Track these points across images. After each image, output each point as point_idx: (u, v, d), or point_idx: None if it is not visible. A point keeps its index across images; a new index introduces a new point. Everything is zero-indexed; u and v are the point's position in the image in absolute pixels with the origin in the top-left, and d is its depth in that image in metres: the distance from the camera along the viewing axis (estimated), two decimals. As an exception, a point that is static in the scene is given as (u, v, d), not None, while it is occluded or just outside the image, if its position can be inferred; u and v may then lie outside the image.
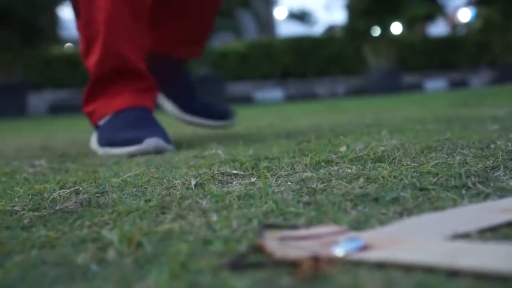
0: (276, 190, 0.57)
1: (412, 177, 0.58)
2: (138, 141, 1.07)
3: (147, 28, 1.24)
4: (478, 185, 0.53)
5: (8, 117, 5.49)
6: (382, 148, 0.77)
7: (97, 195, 0.62)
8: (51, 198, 0.61)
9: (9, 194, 0.66)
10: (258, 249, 0.38)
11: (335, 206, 0.49)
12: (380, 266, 0.34)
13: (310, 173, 0.65)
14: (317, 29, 15.43)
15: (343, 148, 0.80)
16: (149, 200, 0.57)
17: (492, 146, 0.75)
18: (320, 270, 0.33)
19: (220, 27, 7.56)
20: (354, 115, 2.19)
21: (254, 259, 0.36)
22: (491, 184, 0.53)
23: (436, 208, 0.46)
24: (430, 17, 8.88)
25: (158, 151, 1.05)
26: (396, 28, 7.88)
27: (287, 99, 7.16)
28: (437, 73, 9.09)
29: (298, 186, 0.58)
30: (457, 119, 1.43)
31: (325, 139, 1.04)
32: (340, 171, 0.65)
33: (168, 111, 1.46)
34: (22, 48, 6.60)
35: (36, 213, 0.55)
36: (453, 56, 9.47)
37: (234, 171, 0.69)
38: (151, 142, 1.06)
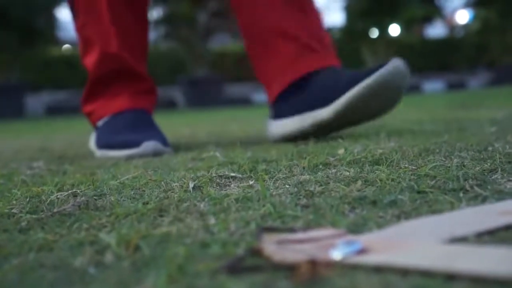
0: (274, 193, 0.57)
1: (410, 180, 0.58)
2: (136, 144, 1.07)
3: (147, 29, 1.24)
4: (476, 188, 0.53)
5: (5, 118, 5.48)
6: (380, 150, 0.77)
7: (95, 197, 0.62)
8: (48, 200, 0.61)
9: (7, 197, 0.66)
10: (256, 252, 0.38)
11: (333, 209, 0.49)
12: (378, 269, 0.34)
13: (308, 176, 0.65)
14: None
15: (341, 151, 0.80)
16: (147, 203, 0.57)
17: (490, 148, 0.75)
18: (318, 274, 0.33)
19: (219, 29, 7.57)
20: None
21: (252, 263, 0.36)
22: (489, 187, 0.53)
23: (434, 211, 0.46)
24: (428, 19, 8.90)
25: (156, 154, 1.05)
26: (394, 29, 7.89)
27: (285, 100, 7.14)
28: (435, 75, 9.11)
29: (296, 189, 0.58)
30: (455, 121, 1.44)
31: (323, 142, 1.04)
32: (338, 173, 0.65)
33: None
34: (20, 49, 6.60)
35: (33, 216, 0.55)
36: (451, 58, 9.49)
37: (232, 174, 0.69)
38: (149, 146, 1.05)
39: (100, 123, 1.21)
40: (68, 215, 0.55)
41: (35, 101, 7.12)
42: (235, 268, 0.35)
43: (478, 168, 0.62)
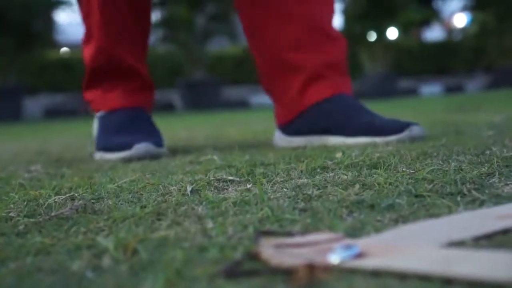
0: (271, 197, 0.57)
1: (407, 183, 0.58)
2: (128, 146, 1.07)
3: (148, 28, 1.24)
4: (474, 192, 0.53)
5: (3, 121, 5.48)
6: (378, 154, 0.78)
7: (92, 201, 0.62)
8: (46, 204, 0.61)
9: (5, 200, 0.66)
10: (254, 256, 0.38)
11: (331, 213, 0.49)
12: (376, 273, 0.34)
13: (306, 180, 0.65)
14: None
15: (338, 154, 0.80)
16: (145, 207, 0.57)
17: (488, 152, 0.75)
18: (316, 278, 0.33)
19: (216, 32, 7.58)
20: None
21: (249, 267, 0.36)
22: (486, 191, 0.54)
23: (431, 215, 0.46)
24: (426, 22, 8.91)
25: (151, 156, 1.05)
26: (392, 33, 7.90)
27: (283, 103, 7.15)
28: (432, 78, 9.12)
29: (293, 193, 0.58)
30: (453, 124, 1.44)
31: (321, 145, 1.04)
32: (336, 177, 0.65)
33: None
34: (18, 52, 6.59)
35: (31, 219, 0.55)
36: (449, 61, 9.50)
37: (230, 177, 0.69)
38: (140, 148, 1.06)
39: (98, 114, 1.22)
40: (66, 219, 0.55)
41: (33, 104, 7.11)
42: (233, 272, 0.35)
43: (475, 172, 0.62)
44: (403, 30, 8.08)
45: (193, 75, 7.41)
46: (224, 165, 0.81)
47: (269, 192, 0.60)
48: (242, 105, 7.08)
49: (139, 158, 1.05)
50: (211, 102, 6.84)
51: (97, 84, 1.22)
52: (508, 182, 0.57)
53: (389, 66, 7.87)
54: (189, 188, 0.64)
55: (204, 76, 7.41)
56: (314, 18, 1.13)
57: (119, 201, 0.61)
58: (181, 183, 0.68)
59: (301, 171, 0.71)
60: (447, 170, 0.63)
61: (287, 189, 0.61)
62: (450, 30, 10.66)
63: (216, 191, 0.64)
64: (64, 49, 8.43)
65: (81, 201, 0.61)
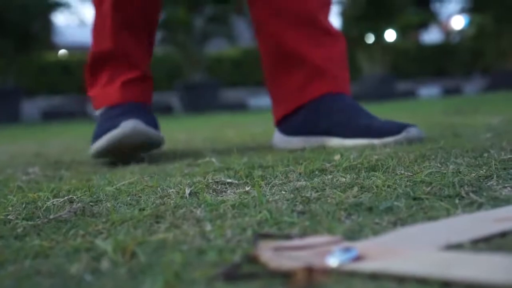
0: (270, 199, 0.57)
1: (406, 186, 0.58)
2: (114, 126, 1.02)
3: (155, 26, 1.22)
4: (472, 195, 0.53)
5: (1, 123, 5.48)
6: (376, 156, 0.78)
7: (91, 203, 0.62)
8: (45, 207, 0.61)
9: (3, 203, 0.66)
10: (252, 259, 0.38)
11: (329, 216, 0.49)
12: (374, 276, 0.34)
13: (304, 182, 0.65)
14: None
15: (337, 157, 0.80)
16: (143, 209, 0.57)
17: (485, 155, 0.75)
18: (314, 281, 0.33)
19: (215, 34, 7.58)
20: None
21: (248, 270, 0.36)
22: (484, 193, 0.54)
23: (429, 218, 0.47)
24: (423, 25, 8.92)
25: (138, 134, 0.99)
26: (390, 35, 7.91)
27: (281, 105, 7.15)
28: (430, 80, 9.13)
29: (292, 195, 0.58)
30: (451, 126, 1.44)
31: (319, 147, 1.04)
32: (334, 180, 0.65)
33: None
34: (16, 54, 6.59)
35: (29, 222, 0.55)
36: (446, 63, 9.51)
37: (229, 180, 0.69)
38: (128, 125, 0.99)
39: (97, 112, 1.18)
40: (64, 222, 0.55)
41: (31, 106, 7.11)
42: (232, 275, 0.35)
43: (473, 174, 0.62)
44: (401, 32, 8.09)
45: (192, 77, 7.42)
46: (222, 167, 0.81)
47: (267, 195, 0.60)
48: (241, 107, 7.09)
49: (129, 138, 0.99)
50: (209, 104, 6.85)
51: (96, 75, 1.18)
52: (506, 185, 0.57)
53: (387, 68, 7.89)
54: (187, 191, 0.64)
55: (202, 78, 7.41)
56: (316, 16, 1.14)
57: (117, 203, 0.61)
58: (179, 185, 0.68)
59: (300, 174, 0.71)
60: (445, 173, 0.63)
61: (286, 191, 0.61)
62: (448, 32, 10.68)
63: (214, 193, 0.64)
64: (62, 51, 8.43)
65: (79, 204, 0.61)
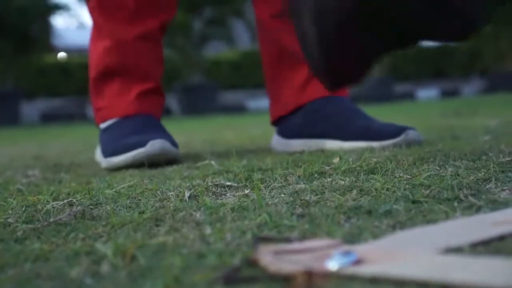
0: (269, 203, 0.57)
1: (404, 189, 0.58)
2: (141, 144, 1.00)
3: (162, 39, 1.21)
4: (470, 198, 0.53)
5: (0, 126, 5.47)
6: (375, 159, 0.78)
7: (91, 207, 0.62)
8: (44, 210, 0.61)
9: (3, 206, 0.66)
10: (252, 263, 0.38)
11: (329, 219, 0.49)
12: (374, 280, 0.34)
13: (303, 185, 0.65)
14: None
15: (336, 160, 0.80)
16: (143, 212, 0.57)
17: (484, 157, 0.75)
18: (314, 285, 0.33)
19: (214, 36, 7.58)
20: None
21: (248, 273, 0.36)
22: (483, 196, 0.54)
23: (428, 221, 0.47)
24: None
25: (164, 154, 0.99)
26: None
27: (280, 107, 7.15)
28: (429, 82, 9.14)
29: (291, 198, 0.58)
30: (449, 129, 1.44)
31: (318, 150, 1.05)
32: (333, 183, 0.65)
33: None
34: (15, 56, 6.59)
35: (29, 226, 0.55)
36: (445, 65, 9.52)
37: (228, 183, 0.69)
38: (156, 144, 0.98)
39: (104, 125, 1.13)
40: (64, 225, 0.55)
41: (30, 109, 7.11)
42: (231, 279, 0.35)
43: (472, 177, 0.62)
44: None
45: (190, 79, 7.42)
46: (222, 170, 0.81)
47: (267, 198, 0.60)
48: (239, 109, 7.09)
49: (154, 157, 0.98)
50: (208, 106, 6.85)
51: (105, 86, 1.14)
52: (505, 188, 0.57)
53: (386, 70, 7.89)
54: (187, 194, 0.64)
55: (201, 81, 7.42)
56: None
57: (117, 206, 0.61)
58: (179, 188, 0.68)
59: (299, 177, 0.71)
60: (444, 176, 0.63)
61: (285, 194, 0.61)
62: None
63: (214, 196, 0.64)
64: (62, 54, 8.43)
65: (79, 207, 0.61)
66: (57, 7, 7.15)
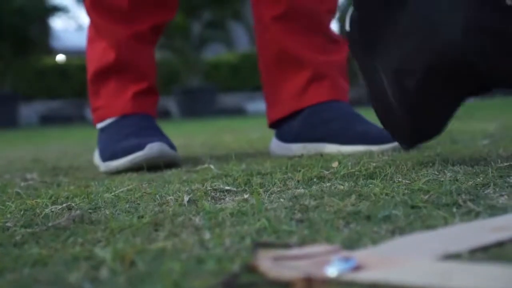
0: (269, 207, 0.57)
1: (403, 194, 0.59)
2: (139, 147, 1.00)
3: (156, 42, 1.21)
4: (469, 203, 0.53)
5: (-2, 128, 5.47)
6: (374, 164, 0.78)
7: (89, 211, 0.62)
8: (43, 214, 0.61)
9: (1, 210, 0.66)
10: (252, 269, 0.38)
11: (328, 224, 0.49)
12: (373, 286, 0.34)
13: (302, 190, 0.65)
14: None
15: (335, 164, 0.80)
16: (142, 217, 0.57)
17: (482, 162, 0.75)
18: (313, 291, 0.33)
19: (212, 39, 7.59)
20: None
21: (247, 279, 0.36)
22: (482, 202, 0.54)
23: (427, 227, 0.47)
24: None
25: (163, 157, 0.99)
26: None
27: (278, 110, 7.16)
28: (427, 86, 9.13)
29: (290, 203, 0.58)
30: (447, 133, 1.44)
31: (317, 154, 1.05)
32: (332, 187, 0.65)
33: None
34: (13, 58, 6.59)
35: (28, 230, 0.55)
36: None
37: (227, 187, 0.69)
38: (154, 147, 0.99)
39: (101, 125, 1.14)
40: (63, 229, 0.55)
41: (29, 111, 7.11)
42: (231, 285, 0.35)
43: (471, 182, 0.62)
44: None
45: (189, 82, 7.42)
46: (220, 174, 0.81)
47: (266, 203, 0.60)
48: (238, 112, 7.10)
49: (153, 160, 0.98)
50: (207, 109, 6.85)
51: (103, 85, 1.14)
52: (503, 193, 0.57)
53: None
54: (186, 198, 0.64)
55: (200, 83, 7.42)
56: (322, 22, 1.15)
57: (116, 211, 0.61)
58: (178, 192, 0.68)
59: (298, 181, 0.71)
60: (442, 181, 0.63)
61: (284, 199, 0.61)
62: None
63: (213, 201, 0.64)
64: (60, 56, 8.43)
65: (78, 211, 0.61)
66: (56, 9, 7.16)
